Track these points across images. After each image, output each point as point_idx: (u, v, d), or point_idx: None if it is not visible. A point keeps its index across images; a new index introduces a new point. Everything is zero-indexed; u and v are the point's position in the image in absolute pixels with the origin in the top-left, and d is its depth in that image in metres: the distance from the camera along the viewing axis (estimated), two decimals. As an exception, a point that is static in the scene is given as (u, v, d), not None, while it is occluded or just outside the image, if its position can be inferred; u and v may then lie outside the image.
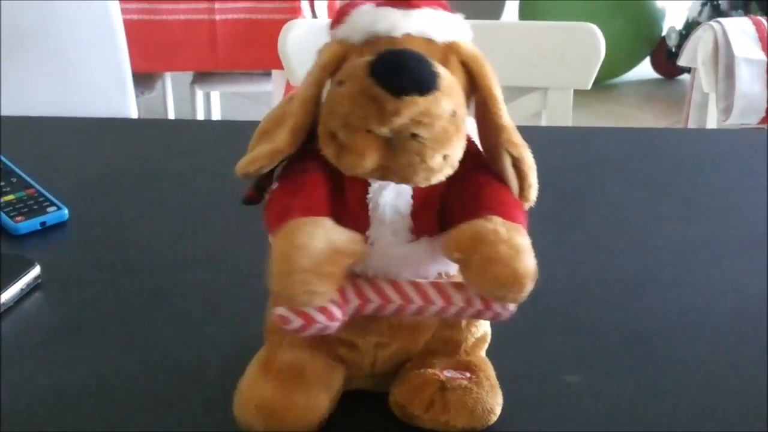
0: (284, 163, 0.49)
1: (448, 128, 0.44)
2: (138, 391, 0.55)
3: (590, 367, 0.57)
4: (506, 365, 0.53)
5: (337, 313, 0.46)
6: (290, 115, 0.47)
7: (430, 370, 0.51)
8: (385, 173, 0.45)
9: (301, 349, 0.51)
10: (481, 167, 0.49)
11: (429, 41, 0.46)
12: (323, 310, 0.46)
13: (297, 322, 0.46)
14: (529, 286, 0.45)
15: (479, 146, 0.50)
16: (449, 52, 0.47)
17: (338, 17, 0.48)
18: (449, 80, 0.44)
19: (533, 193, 0.49)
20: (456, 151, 0.45)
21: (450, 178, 0.47)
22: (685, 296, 0.66)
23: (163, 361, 0.58)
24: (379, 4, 0.47)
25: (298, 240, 0.44)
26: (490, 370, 0.53)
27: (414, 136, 0.43)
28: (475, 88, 0.48)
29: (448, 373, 0.51)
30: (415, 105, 0.42)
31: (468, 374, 0.51)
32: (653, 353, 0.59)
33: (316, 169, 0.47)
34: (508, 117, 0.48)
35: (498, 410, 0.51)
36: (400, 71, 0.42)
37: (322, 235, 0.44)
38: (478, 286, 0.45)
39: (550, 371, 0.57)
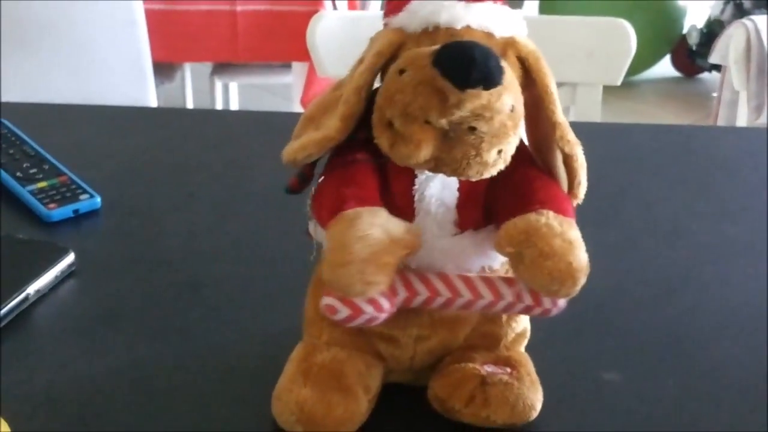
0: (330, 152, 0.49)
1: (506, 123, 0.43)
2: (171, 380, 0.55)
3: (629, 365, 0.57)
4: (545, 362, 0.53)
5: (385, 304, 0.46)
6: (342, 102, 0.47)
7: (470, 365, 0.51)
8: (438, 165, 0.45)
9: (340, 348, 0.51)
10: (529, 162, 0.49)
11: (489, 35, 0.46)
12: (371, 301, 0.45)
13: (344, 312, 0.45)
14: (583, 280, 0.44)
15: (524, 141, 0.50)
16: (507, 46, 0.46)
17: (395, 6, 0.47)
18: (510, 75, 0.44)
19: (582, 190, 0.49)
20: (510, 147, 0.45)
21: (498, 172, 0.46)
22: (722, 295, 0.65)
23: (196, 352, 0.57)
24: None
25: (357, 229, 0.43)
26: (530, 366, 0.52)
27: (472, 129, 0.43)
28: (530, 84, 0.47)
29: (488, 368, 0.51)
30: (479, 99, 0.42)
31: (509, 369, 0.51)
32: (691, 351, 0.59)
33: (366, 159, 0.47)
34: (562, 114, 0.48)
35: (539, 406, 0.50)
36: (468, 64, 0.42)
37: (380, 225, 0.44)
38: (531, 280, 0.45)
39: (589, 369, 0.56)
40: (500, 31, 0.46)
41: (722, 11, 3.02)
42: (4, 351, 0.56)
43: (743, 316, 0.62)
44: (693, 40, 3.19)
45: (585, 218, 0.75)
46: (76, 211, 0.72)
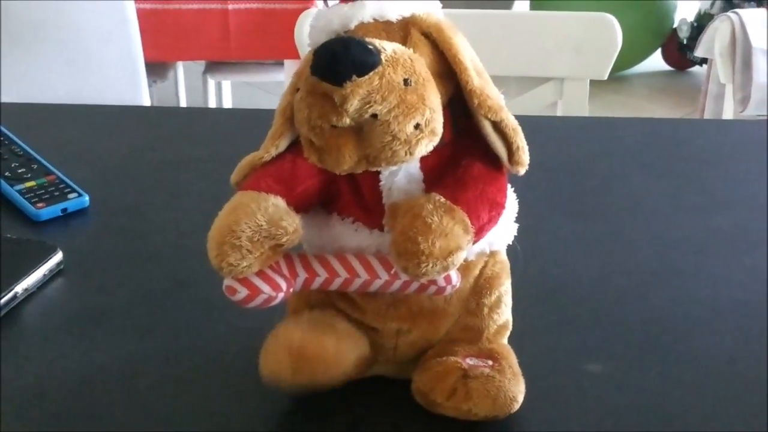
0: None
1: (406, 97, 0.44)
2: (160, 377, 0.55)
3: (612, 357, 0.57)
4: (528, 354, 0.53)
5: (283, 284, 0.47)
6: (273, 124, 0.49)
7: (452, 358, 0.51)
8: (370, 161, 0.45)
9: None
10: (475, 149, 0.49)
11: (385, 23, 0.47)
12: (268, 280, 0.47)
13: (243, 292, 0.46)
14: (431, 265, 0.44)
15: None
16: (408, 26, 0.47)
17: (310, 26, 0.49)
18: (395, 52, 0.44)
19: (524, 155, 0.48)
20: (429, 117, 0.45)
21: (455, 160, 0.47)
22: (705, 287, 0.66)
23: (185, 348, 0.58)
24: (334, 4, 0.48)
25: (227, 214, 0.46)
26: (512, 358, 0.53)
27: (374, 116, 0.43)
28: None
29: (470, 361, 0.51)
30: (359, 87, 0.43)
31: (490, 362, 0.51)
32: (675, 343, 0.59)
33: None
34: (478, 81, 0.47)
35: (520, 398, 0.51)
36: (333, 60, 0.43)
37: (252, 212, 0.45)
38: (390, 253, 0.45)
39: (572, 360, 0.57)
40: (396, 14, 0.47)
41: (712, 5, 3.02)
42: (-7, 349, 0.57)
43: (727, 308, 0.63)
44: (683, 34, 3.19)
45: (571, 211, 0.77)
46: (64, 210, 0.73)
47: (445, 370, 0.51)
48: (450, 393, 0.50)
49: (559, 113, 1.23)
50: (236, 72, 2.18)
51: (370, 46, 0.44)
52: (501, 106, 0.48)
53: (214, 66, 2.15)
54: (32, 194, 0.74)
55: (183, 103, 2.40)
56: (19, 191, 0.74)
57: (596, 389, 0.55)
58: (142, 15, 1.66)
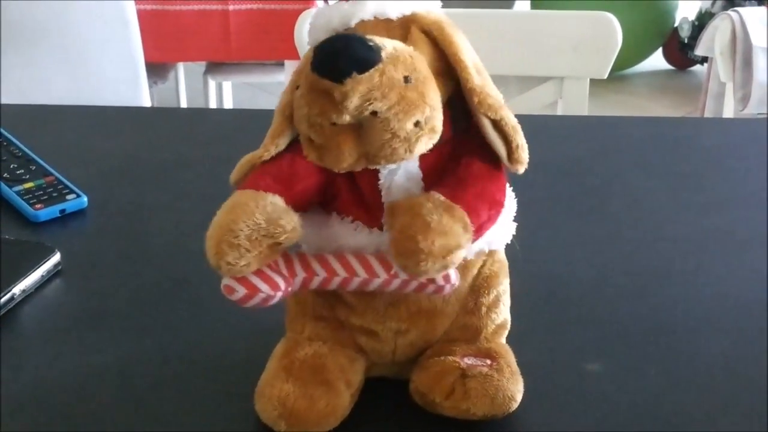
0: None
1: (406, 95, 0.44)
2: (158, 378, 0.55)
3: (611, 356, 0.57)
4: (527, 353, 0.53)
5: (282, 283, 0.47)
6: (272, 123, 0.49)
7: (450, 358, 0.51)
8: (369, 159, 0.45)
9: (321, 342, 0.52)
10: (473, 148, 0.49)
11: (385, 21, 0.47)
12: (267, 279, 0.46)
13: (241, 291, 0.46)
14: (430, 264, 0.44)
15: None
16: (409, 24, 0.47)
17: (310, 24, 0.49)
18: (395, 49, 0.44)
19: (524, 154, 0.48)
20: (429, 115, 0.45)
21: (454, 159, 0.47)
22: (705, 286, 0.66)
23: (183, 349, 0.58)
24: (334, 2, 0.48)
25: (226, 212, 0.45)
26: (510, 357, 0.52)
27: (374, 113, 0.43)
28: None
29: (468, 360, 0.51)
30: (360, 83, 0.42)
31: (488, 361, 0.51)
32: (674, 342, 0.59)
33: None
34: (479, 79, 0.47)
35: (519, 397, 0.51)
36: (334, 57, 0.43)
37: (251, 211, 0.45)
38: (389, 252, 0.45)
39: (571, 360, 0.57)
40: (396, 12, 0.47)
41: (713, 3, 3.02)
42: (-9, 350, 0.57)
43: (727, 307, 0.63)
44: (684, 33, 3.19)
45: (569, 209, 0.77)
46: (62, 211, 0.73)
47: (444, 369, 0.50)
48: (448, 392, 0.50)
49: (559, 112, 1.22)
50: (237, 73, 2.18)
51: (371, 43, 0.44)
52: (501, 105, 0.47)
53: (215, 67, 2.16)
54: (30, 195, 0.73)
55: (183, 104, 2.40)
56: (18, 192, 0.74)
57: (595, 388, 0.55)
58: (142, 16, 1.66)
